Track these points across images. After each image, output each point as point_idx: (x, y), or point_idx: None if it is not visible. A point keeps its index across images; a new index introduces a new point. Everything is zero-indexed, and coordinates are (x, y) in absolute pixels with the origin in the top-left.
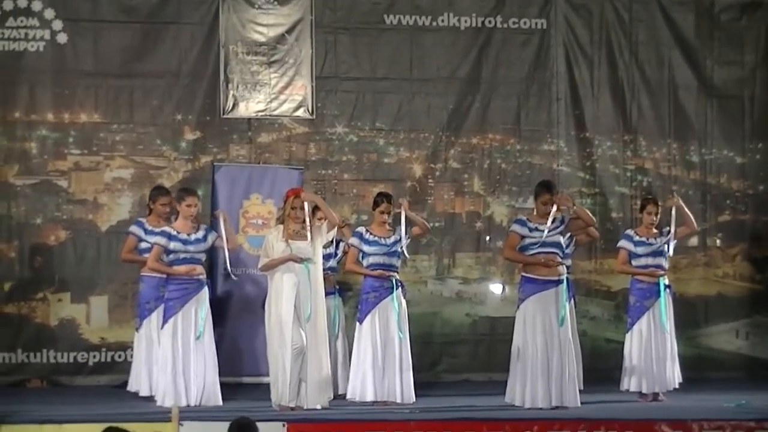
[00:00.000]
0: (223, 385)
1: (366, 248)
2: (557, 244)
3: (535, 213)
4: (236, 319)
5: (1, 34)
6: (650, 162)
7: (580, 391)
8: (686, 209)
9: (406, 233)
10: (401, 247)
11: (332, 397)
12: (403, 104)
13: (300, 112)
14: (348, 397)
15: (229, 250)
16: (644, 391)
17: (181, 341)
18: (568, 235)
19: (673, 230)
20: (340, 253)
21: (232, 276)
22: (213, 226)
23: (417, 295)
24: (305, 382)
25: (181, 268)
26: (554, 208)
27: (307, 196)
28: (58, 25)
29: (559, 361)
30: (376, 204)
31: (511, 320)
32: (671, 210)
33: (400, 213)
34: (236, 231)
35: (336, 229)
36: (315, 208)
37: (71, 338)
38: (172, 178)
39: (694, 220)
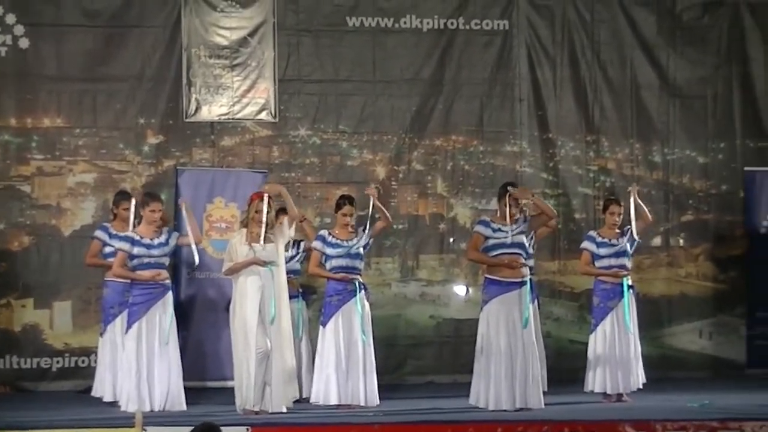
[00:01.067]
0: (187, 389)
1: (329, 251)
2: (521, 245)
3: (498, 214)
4: (200, 323)
5: None
6: (613, 162)
7: (544, 392)
8: (640, 202)
9: (369, 228)
10: (363, 244)
11: (297, 396)
12: (366, 106)
13: (263, 115)
14: (312, 400)
15: (185, 244)
16: (608, 391)
17: (145, 346)
18: (531, 235)
19: (633, 222)
20: (301, 252)
21: (196, 261)
22: (176, 218)
23: (381, 297)
24: (270, 386)
25: (146, 273)
26: (510, 203)
27: (272, 188)
28: (19, 29)
29: (523, 363)
30: (338, 206)
31: (475, 322)
32: (630, 201)
33: (365, 213)
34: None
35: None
36: (278, 212)
37: (35, 344)
38: (135, 183)
39: (648, 214)
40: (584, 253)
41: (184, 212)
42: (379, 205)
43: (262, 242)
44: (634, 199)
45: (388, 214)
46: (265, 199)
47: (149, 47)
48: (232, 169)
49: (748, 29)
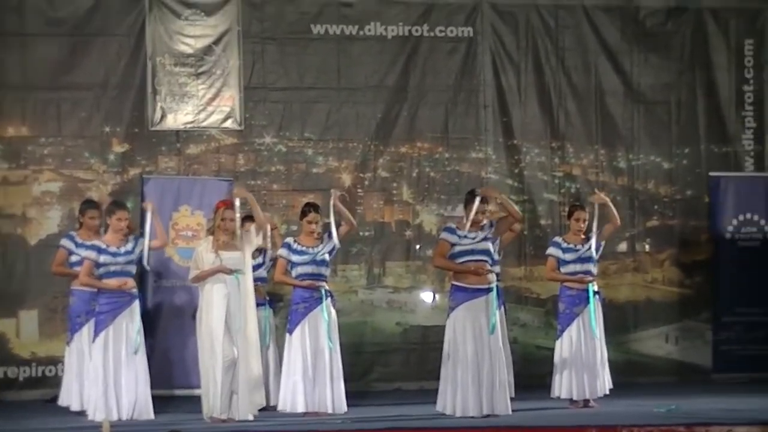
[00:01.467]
0: (154, 397)
1: (294, 258)
2: (487, 252)
3: (464, 221)
4: (167, 331)
5: None
6: (578, 168)
7: (511, 398)
8: (611, 205)
9: (333, 233)
10: (329, 250)
11: (264, 404)
12: (332, 114)
13: (228, 123)
14: (279, 408)
15: (154, 247)
16: (575, 397)
17: (112, 355)
18: (496, 240)
19: (594, 227)
20: (267, 261)
21: (146, 267)
22: (141, 223)
23: (347, 304)
24: (236, 394)
25: (113, 282)
26: (478, 209)
27: (240, 192)
28: None
29: (489, 369)
30: (303, 214)
31: (442, 328)
32: (594, 207)
33: (329, 221)
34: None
35: (267, 231)
36: (245, 219)
37: (1, 353)
38: (101, 191)
39: (617, 217)
40: (550, 259)
41: (149, 215)
42: (341, 207)
43: (239, 237)
44: (603, 204)
45: (351, 218)
46: (237, 203)
47: (114, 55)
48: (197, 177)
49: (711, 35)
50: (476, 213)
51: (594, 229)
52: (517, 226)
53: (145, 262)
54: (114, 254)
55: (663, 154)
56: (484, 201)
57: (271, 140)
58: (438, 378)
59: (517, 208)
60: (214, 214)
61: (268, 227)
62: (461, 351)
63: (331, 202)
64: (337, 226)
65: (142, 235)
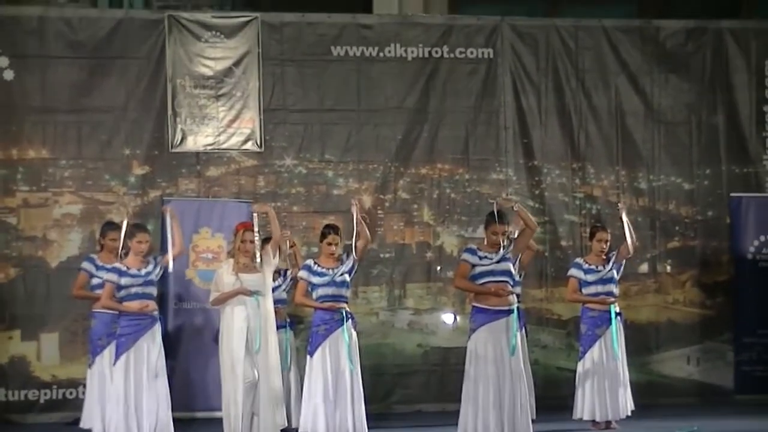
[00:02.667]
0: (175, 420)
1: (315, 280)
2: (508, 273)
3: (485, 242)
4: (188, 354)
5: None
6: (599, 189)
7: (532, 420)
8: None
9: (353, 250)
10: (348, 270)
11: (285, 425)
12: (352, 135)
13: (248, 145)
14: (300, 430)
15: (173, 255)
16: (597, 419)
17: (133, 377)
18: (517, 260)
19: (630, 238)
20: (288, 281)
21: (169, 270)
22: (162, 243)
23: (368, 326)
24: (257, 416)
25: (134, 305)
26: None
27: (260, 207)
28: (4, 61)
29: (511, 391)
30: (323, 236)
31: (463, 350)
32: (621, 218)
33: (351, 243)
34: (186, 266)
35: (286, 249)
36: (264, 241)
37: (22, 375)
38: (121, 214)
39: (633, 236)
40: (571, 280)
41: (168, 219)
42: (360, 218)
43: (259, 260)
44: (625, 217)
45: (367, 231)
46: (256, 223)
47: (134, 78)
48: (218, 199)
49: (731, 55)
50: (494, 233)
51: (628, 236)
52: (533, 243)
53: (170, 262)
54: (134, 276)
55: (684, 174)
56: (502, 221)
57: (291, 162)
58: (459, 400)
59: (533, 218)
60: (234, 236)
61: (287, 245)
62: (482, 373)
63: (354, 212)
64: (354, 242)
65: (161, 253)
